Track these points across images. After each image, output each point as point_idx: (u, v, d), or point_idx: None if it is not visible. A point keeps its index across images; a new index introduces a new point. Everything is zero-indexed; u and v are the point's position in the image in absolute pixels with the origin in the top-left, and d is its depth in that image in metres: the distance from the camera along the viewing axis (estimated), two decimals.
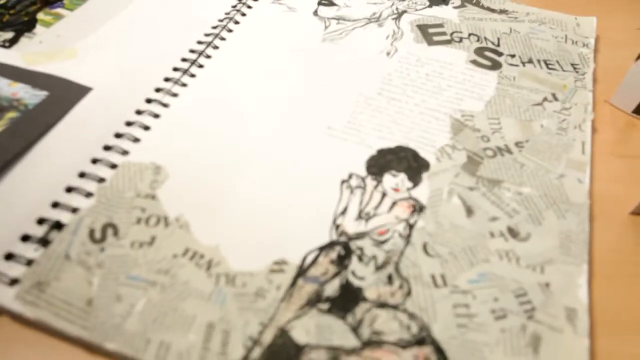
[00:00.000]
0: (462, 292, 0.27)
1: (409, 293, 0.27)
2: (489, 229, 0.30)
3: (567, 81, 0.40)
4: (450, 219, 0.31)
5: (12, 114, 0.32)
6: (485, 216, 0.31)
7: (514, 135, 0.36)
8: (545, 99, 0.38)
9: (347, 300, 0.27)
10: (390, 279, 0.28)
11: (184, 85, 0.37)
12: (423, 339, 0.25)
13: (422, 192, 0.32)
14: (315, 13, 0.45)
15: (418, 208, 0.31)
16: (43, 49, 0.38)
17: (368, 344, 0.25)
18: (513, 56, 0.42)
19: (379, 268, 0.28)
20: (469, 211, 0.31)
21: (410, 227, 0.30)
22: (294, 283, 0.27)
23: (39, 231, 0.28)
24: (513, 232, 0.30)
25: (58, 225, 0.29)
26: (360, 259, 0.28)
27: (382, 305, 0.26)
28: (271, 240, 0.29)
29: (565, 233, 0.30)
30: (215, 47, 0.41)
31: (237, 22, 0.43)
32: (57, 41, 0.39)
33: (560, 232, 0.30)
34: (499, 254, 0.29)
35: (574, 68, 0.41)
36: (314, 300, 0.26)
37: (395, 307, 0.26)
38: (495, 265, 0.28)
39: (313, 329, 0.26)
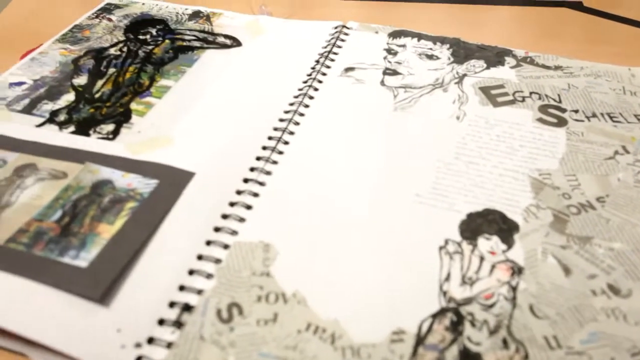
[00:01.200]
0: (577, 353, 0.28)
1: (526, 357, 0.28)
2: (589, 287, 0.32)
3: (634, 133, 0.42)
4: (549, 279, 0.32)
5: (131, 204, 0.35)
6: (583, 274, 0.32)
7: (593, 191, 0.37)
8: (616, 152, 0.40)
9: None
10: (505, 343, 0.29)
11: (274, 162, 0.40)
12: None
13: (517, 254, 0.34)
14: (382, 83, 0.48)
15: (517, 270, 0.33)
16: (142, 139, 0.42)
17: None
18: (576, 111, 0.44)
19: (492, 332, 0.29)
20: (566, 270, 0.33)
21: (514, 289, 0.32)
22: (415, 352, 0.29)
23: (172, 314, 0.31)
24: (614, 289, 0.31)
25: (188, 308, 0.31)
26: (472, 324, 0.30)
27: None
28: (384, 309, 0.31)
29: None
30: (296, 124, 0.44)
31: (311, 97, 0.46)
32: (153, 129, 0.43)
33: None
34: (605, 312, 0.30)
35: (638, 119, 0.43)
36: None
37: None
38: (604, 324, 0.30)
39: None
